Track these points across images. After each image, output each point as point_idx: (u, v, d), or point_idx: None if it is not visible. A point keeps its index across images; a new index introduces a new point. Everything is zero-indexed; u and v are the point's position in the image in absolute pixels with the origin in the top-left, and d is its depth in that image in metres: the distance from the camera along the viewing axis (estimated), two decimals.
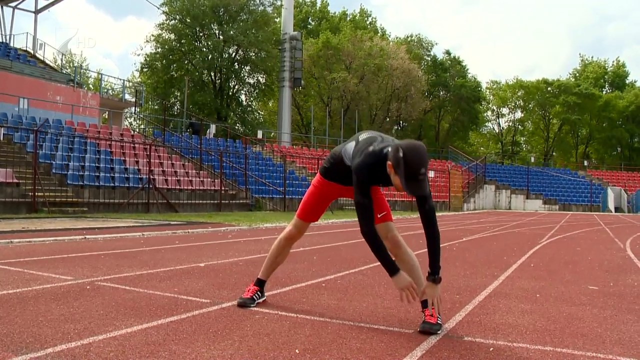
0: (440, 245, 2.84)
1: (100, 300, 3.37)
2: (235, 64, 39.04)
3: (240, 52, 38.55)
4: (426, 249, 2.85)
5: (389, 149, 2.75)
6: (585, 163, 48.01)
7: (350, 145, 2.98)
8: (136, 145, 19.27)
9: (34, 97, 20.44)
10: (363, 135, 2.97)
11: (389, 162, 2.69)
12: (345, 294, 3.79)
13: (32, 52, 26.58)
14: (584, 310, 3.46)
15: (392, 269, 2.76)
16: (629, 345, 2.64)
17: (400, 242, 3.06)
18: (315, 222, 3.87)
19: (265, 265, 3.43)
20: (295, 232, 3.36)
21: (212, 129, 28.20)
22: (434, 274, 2.79)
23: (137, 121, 39.50)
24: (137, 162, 17.98)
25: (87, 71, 43.75)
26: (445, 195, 29.77)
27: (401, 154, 2.59)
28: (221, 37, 37.18)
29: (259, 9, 38.25)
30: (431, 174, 30.79)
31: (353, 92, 41.99)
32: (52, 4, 29.45)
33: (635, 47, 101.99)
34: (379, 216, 3.07)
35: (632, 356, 2.46)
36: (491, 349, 2.52)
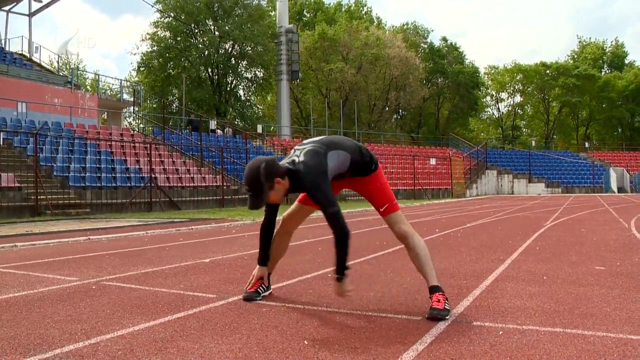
0: (349, 245, 2.89)
1: (107, 299, 3.37)
2: (232, 59, 38.91)
3: (236, 47, 38.41)
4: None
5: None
6: (587, 145, 47.89)
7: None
8: (136, 145, 19.25)
9: (32, 101, 20.39)
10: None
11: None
12: (352, 284, 3.78)
13: (28, 55, 26.51)
14: (592, 291, 3.44)
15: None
16: (638, 324, 2.62)
17: (407, 232, 3.04)
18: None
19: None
20: (292, 223, 3.42)
21: (212, 124, 28.19)
22: (338, 273, 2.91)
23: (136, 120, 39.42)
24: (138, 161, 17.97)
25: (85, 72, 43.65)
26: (447, 182, 29.74)
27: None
28: (216, 32, 37.04)
29: (254, 2, 38.09)
30: (433, 161, 30.72)
31: (351, 83, 41.87)
32: (46, 6, 29.33)
33: (639, 24, 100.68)
34: (381, 210, 3.07)
35: None
36: (501, 333, 2.51)
